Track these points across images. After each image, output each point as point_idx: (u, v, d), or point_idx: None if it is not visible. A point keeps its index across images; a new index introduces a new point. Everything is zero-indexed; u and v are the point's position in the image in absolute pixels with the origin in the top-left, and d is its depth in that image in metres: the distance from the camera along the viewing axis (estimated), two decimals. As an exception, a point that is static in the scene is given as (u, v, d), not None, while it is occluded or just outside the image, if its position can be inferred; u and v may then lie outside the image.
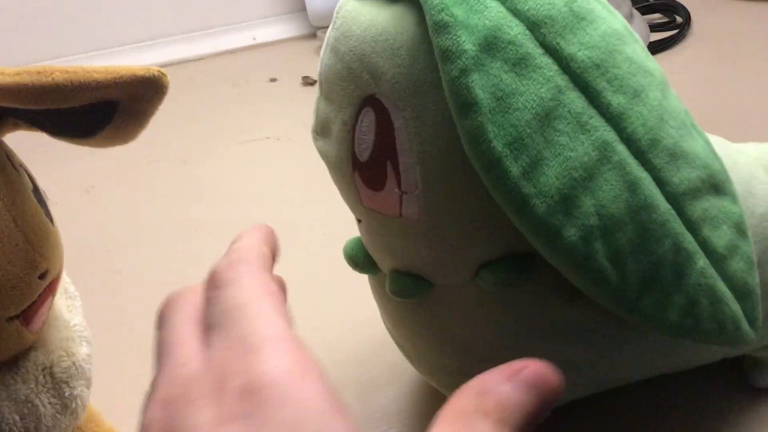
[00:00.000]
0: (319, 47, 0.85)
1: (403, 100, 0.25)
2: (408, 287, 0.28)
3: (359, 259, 0.31)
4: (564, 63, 0.23)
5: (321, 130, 0.29)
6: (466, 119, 0.22)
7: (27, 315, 0.29)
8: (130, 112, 0.28)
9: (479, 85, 0.22)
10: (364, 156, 0.26)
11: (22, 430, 0.30)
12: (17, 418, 0.30)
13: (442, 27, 0.23)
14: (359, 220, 0.29)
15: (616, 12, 0.25)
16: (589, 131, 0.23)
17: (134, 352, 0.45)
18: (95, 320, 0.45)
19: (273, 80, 0.80)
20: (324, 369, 0.21)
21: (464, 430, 0.21)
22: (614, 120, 0.24)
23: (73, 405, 0.32)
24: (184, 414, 0.20)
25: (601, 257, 0.23)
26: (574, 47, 0.23)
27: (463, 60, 0.22)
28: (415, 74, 0.24)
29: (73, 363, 0.32)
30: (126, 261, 0.54)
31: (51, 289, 0.30)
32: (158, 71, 0.28)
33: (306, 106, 0.72)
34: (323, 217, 0.56)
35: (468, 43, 0.22)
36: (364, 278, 0.48)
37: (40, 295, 0.29)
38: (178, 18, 0.86)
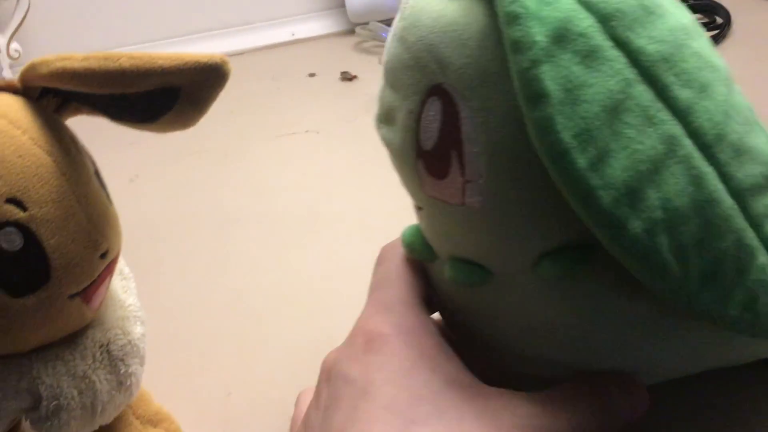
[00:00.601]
0: (358, 44, 0.86)
1: (470, 90, 0.25)
2: (467, 274, 0.29)
3: (417, 246, 0.31)
4: (633, 56, 0.23)
5: (385, 119, 0.29)
6: (534, 110, 0.23)
7: (88, 293, 0.30)
8: (191, 98, 0.29)
9: (549, 77, 0.23)
10: (428, 144, 0.27)
11: (80, 404, 0.31)
12: (75, 392, 0.31)
13: (514, 18, 0.23)
14: (419, 208, 0.30)
15: (683, 6, 0.26)
16: (656, 124, 0.23)
17: (177, 337, 0.46)
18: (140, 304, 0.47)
19: (312, 75, 0.81)
20: (435, 329, 0.28)
21: (570, 405, 0.27)
22: (681, 114, 0.24)
23: (128, 382, 0.33)
24: (335, 354, 0.29)
25: (665, 251, 0.23)
26: (643, 40, 0.24)
27: (534, 51, 0.23)
28: (483, 65, 0.25)
29: (129, 341, 0.33)
30: (169, 249, 0.55)
31: (110, 268, 0.31)
32: (221, 58, 0.29)
33: (345, 100, 0.74)
34: (362, 209, 0.57)
35: (539, 35, 0.23)
36: None
37: (99, 274, 0.30)
38: (219, 14, 0.87)
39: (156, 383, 0.39)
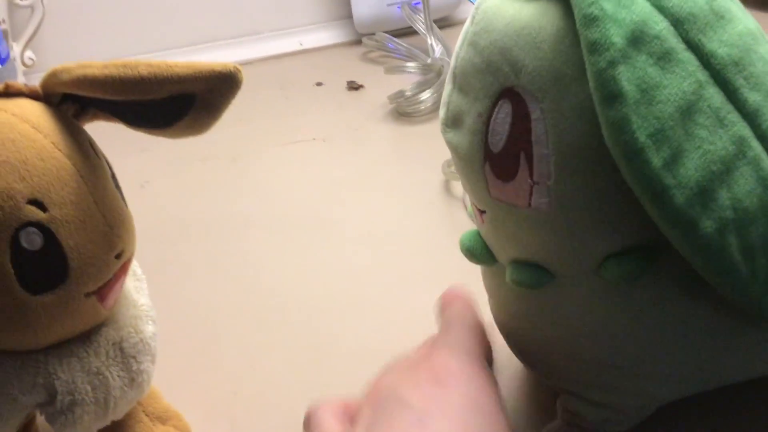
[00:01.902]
0: (364, 54, 0.86)
1: (542, 92, 0.25)
2: (529, 277, 0.29)
3: (477, 250, 0.31)
4: (705, 59, 0.24)
5: (452, 123, 0.30)
6: (610, 110, 0.23)
7: (102, 292, 0.31)
8: (205, 105, 0.30)
9: (625, 77, 0.23)
10: (497, 147, 0.27)
11: (93, 400, 0.32)
12: (89, 388, 0.31)
13: (592, 20, 0.23)
14: (482, 211, 0.30)
15: (748, 13, 0.26)
16: (727, 126, 0.24)
17: (185, 337, 0.46)
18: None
19: (319, 84, 0.81)
20: (494, 380, 0.29)
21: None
22: (750, 117, 0.24)
23: (140, 379, 0.34)
24: (392, 378, 0.29)
25: (734, 250, 0.24)
26: (714, 44, 0.24)
27: (611, 52, 0.23)
28: (557, 67, 0.25)
29: (141, 340, 0.34)
30: (179, 252, 0.55)
31: (124, 268, 0.32)
32: (234, 67, 0.29)
33: (351, 109, 0.74)
34: (367, 215, 0.57)
35: (616, 36, 0.23)
36: (409, 272, 0.49)
37: (114, 274, 0.31)
38: (228, 24, 0.87)
39: (164, 382, 0.39)
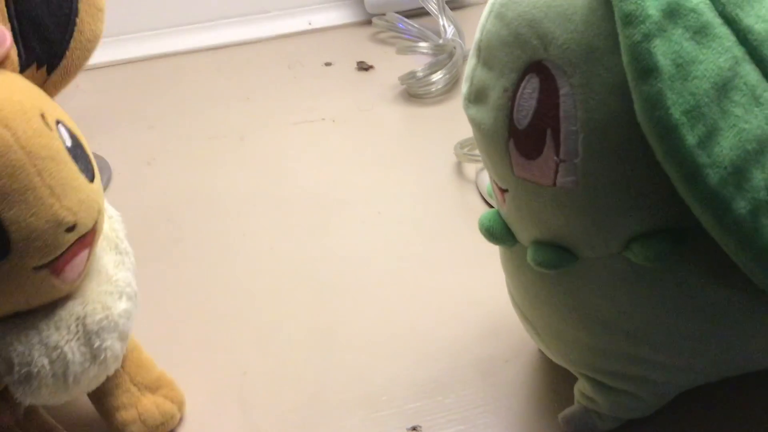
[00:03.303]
0: (374, 34, 0.85)
1: (572, 66, 0.25)
2: (552, 259, 0.28)
3: (496, 230, 0.31)
4: (741, 35, 0.23)
5: (475, 98, 0.29)
6: (645, 84, 0.22)
7: (56, 266, 0.30)
8: None
9: (661, 51, 0.22)
10: (522, 123, 0.26)
11: (51, 373, 0.32)
12: (46, 362, 0.31)
13: None
14: (504, 191, 0.29)
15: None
16: (762, 105, 0.23)
17: (193, 316, 0.46)
18: (157, 284, 0.47)
19: (328, 64, 0.80)
20: None
21: None
22: None
23: (102, 356, 0.33)
24: None
25: (767, 233, 0.23)
26: (751, 19, 0.23)
27: (647, 25, 0.22)
28: (588, 40, 0.24)
29: (107, 316, 0.33)
30: (186, 230, 0.55)
31: (84, 243, 0.31)
32: None
33: (361, 90, 0.73)
34: (375, 196, 0.57)
35: (652, 9, 0.22)
36: (420, 255, 0.48)
37: (70, 248, 0.30)
38: (236, 1, 0.86)
39: (172, 362, 0.40)
